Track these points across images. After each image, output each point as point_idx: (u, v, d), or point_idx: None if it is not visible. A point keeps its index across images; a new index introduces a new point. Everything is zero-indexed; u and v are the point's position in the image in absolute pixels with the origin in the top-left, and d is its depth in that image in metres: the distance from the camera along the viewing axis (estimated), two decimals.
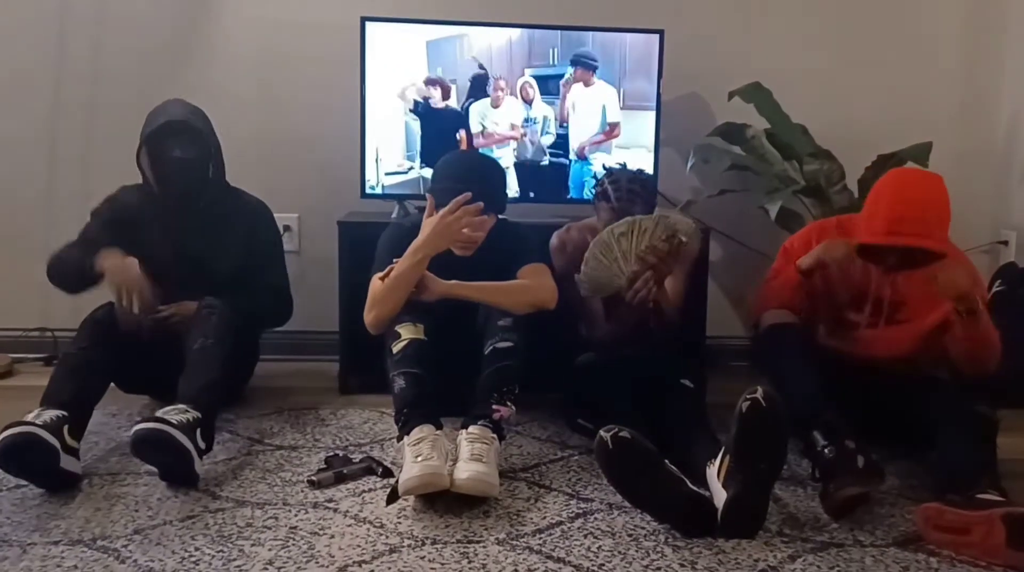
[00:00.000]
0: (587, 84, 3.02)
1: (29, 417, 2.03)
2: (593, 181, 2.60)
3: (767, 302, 2.42)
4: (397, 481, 1.99)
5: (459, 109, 2.99)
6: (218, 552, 1.77)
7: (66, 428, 2.06)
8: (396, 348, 2.19)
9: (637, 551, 1.81)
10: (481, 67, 2.97)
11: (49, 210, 3.22)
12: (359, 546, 1.80)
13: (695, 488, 1.91)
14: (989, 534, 1.78)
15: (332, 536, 1.85)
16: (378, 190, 3.00)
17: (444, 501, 1.99)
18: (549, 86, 3.01)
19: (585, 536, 1.87)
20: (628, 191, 2.45)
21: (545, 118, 3.02)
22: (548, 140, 3.02)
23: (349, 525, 1.90)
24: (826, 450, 2.01)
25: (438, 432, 2.05)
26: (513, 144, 3.03)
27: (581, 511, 2.00)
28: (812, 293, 2.36)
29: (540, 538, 1.86)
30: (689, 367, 2.43)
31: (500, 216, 2.42)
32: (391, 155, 2.99)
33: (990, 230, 3.33)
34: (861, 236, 2.25)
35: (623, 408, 2.23)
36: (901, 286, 2.32)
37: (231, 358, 2.36)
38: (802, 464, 2.19)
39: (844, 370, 2.29)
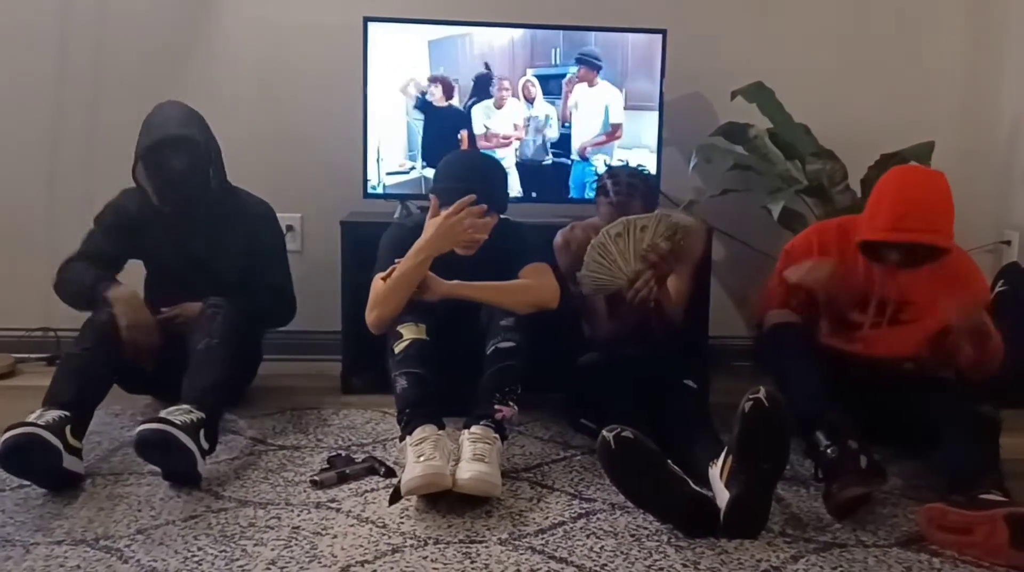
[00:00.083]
0: (591, 84, 3.01)
1: (31, 417, 2.03)
2: (595, 174, 2.60)
3: (768, 303, 2.43)
4: (399, 481, 1.99)
5: (462, 109, 2.99)
6: (221, 552, 1.77)
7: (68, 428, 2.06)
8: (398, 348, 2.19)
9: (640, 551, 1.81)
10: (487, 67, 2.97)
11: (51, 210, 3.23)
12: (362, 546, 1.80)
13: (698, 488, 1.90)
14: (992, 534, 1.77)
15: (335, 536, 1.85)
16: (379, 190, 3.00)
17: (446, 501, 1.99)
18: (551, 86, 3.01)
19: (588, 536, 1.87)
20: (627, 186, 2.46)
21: (547, 117, 3.02)
22: (552, 132, 3.02)
23: (352, 525, 1.90)
24: (829, 450, 2.00)
25: (440, 432, 2.05)
26: (516, 144, 3.03)
27: (584, 511, 2.00)
28: (812, 296, 2.36)
29: (543, 538, 1.86)
30: (692, 367, 2.43)
31: (502, 216, 2.42)
32: (393, 155, 2.99)
33: (993, 230, 3.32)
34: (864, 233, 2.25)
35: (625, 408, 2.23)
36: (905, 286, 2.31)
37: (235, 358, 2.36)
38: (805, 464, 2.19)
39: (847, 370, 2.29)
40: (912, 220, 2.16)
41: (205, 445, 2.09)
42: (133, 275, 2.63)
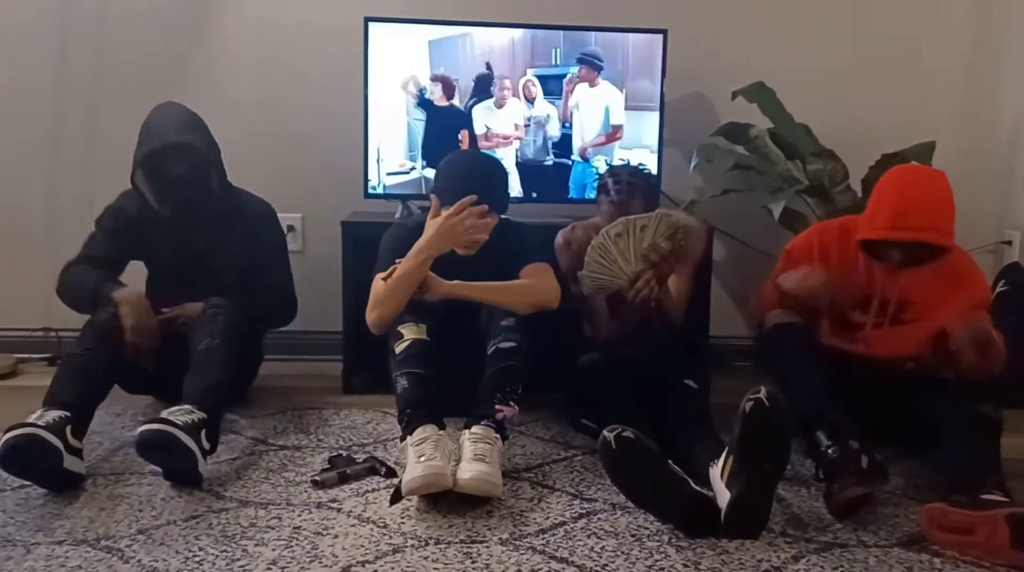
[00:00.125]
0: (592, 84, 3.01)
1: (31, 418, 2.03)
2: (595, 174, 2.61)
3: (765, 304, 2.43)
4: (400, 481, 1.99)
5: (462, 109, 2.99)
6: (222, 552, 1.77)
7: (69, 428, 2.06)
8: (399, 348, 2.19)
9: (640, 551, 1.81)
10: (488, 67, 2.97)
11: (52, 210, 3.23)
12: (362, 546, 1.80)
13: (698, 488, 1.90)
14: (993, 534, 1.77)
15: (336, 536, 1.85)
16: (379, 190, 3.00)
17: (447, 501, 1.99)
18: (551, 86, 3.01)
19: (588, 536, 1.87)
20: (628, 184, 2.46)
21: (548, 116, 3.02)
22: (554, 130, 3.01)
23: (353, 525, 1.90)
24: (830, 450, 2.00)
25: (441, 432, 2.05)
26: (516, 143, 3.03)
27: (584, 511, 2.00)
28: (806, 303, 2.36)
29: (543, 538, 1.86)
30: (693, 367, 2.43)
31: (502, 216, 2.42)
32: (393, 155, 2.99)
33: (994, 230, 3.32)
34: (865, 232, 2.25)
35: (626, 408, 2.23)
36: (906, 286, 2.31)
37: (237, 358, 2.36)
38: (806, 464, 2.19)
39: (848, 370, 2.29)
40: (913, 218, 2.16)
41: (206, 445, 2.10)
42: (132, 276, 2.63)
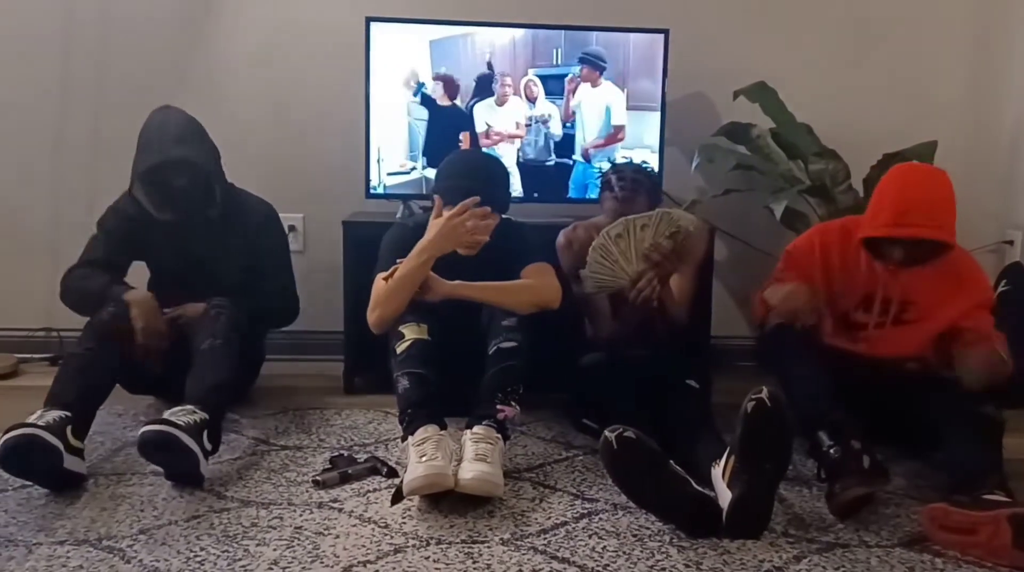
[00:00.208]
0: (594, 84, 3.01)
1: (31, 418, 2.03)
2: (598, 172, 2.61)
3: (757, 314, 2.42)
4: (402, 481, 1.99)
5: (464, 109, 2.99)
6: (223, 552, 1.77)
7: (69, 428, 2.06)
8: (400, 348, 2.19)
9: (642, 551, 1.81)
10: (489, 66, 2.97)
11: (53, 210, 3.23)
12: (364, 546, 1.80)
13: (700, 488, 1.90)
14: (995, 534, 1.77)
15: (337, 536, 1.85)
16: (380, 190, 3.00)
17: (449, 501, 1.99)
18: (552, 86, 3.00)
19: (590, 536, 1.87)
20: (632, 181, 2.47)
21: (549, 116, 3.02)
22: (555, 129, 3.01)
23: (354, 525, 1.90)
24: (832, 450, 2.00)
25: (442, 432, 2.05)
26: (517, 143, 3.03)
27: (586, 511, 2.00)
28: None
29: (545, 538, 1.86)
30: (694, 367, 2.43)
31: (504, 216, 2.42)
32: (394, 155, 2.99)
33: (996, 230, 3.32)
34: (867, 230, 2.25)
35: (627, 408, 2.23)
36: (908, 285, 2.31)
37: (239, 359, 2.36)
38: (807, 464, 2.19)
39: (850, 370, 2.28)
40: (914, 215, 2.16)
41: (208, 446, 2.10)
42: (133, 276, 2.63)
